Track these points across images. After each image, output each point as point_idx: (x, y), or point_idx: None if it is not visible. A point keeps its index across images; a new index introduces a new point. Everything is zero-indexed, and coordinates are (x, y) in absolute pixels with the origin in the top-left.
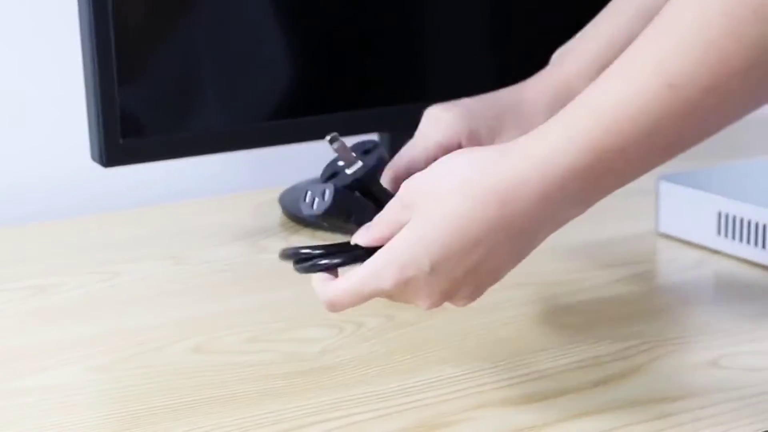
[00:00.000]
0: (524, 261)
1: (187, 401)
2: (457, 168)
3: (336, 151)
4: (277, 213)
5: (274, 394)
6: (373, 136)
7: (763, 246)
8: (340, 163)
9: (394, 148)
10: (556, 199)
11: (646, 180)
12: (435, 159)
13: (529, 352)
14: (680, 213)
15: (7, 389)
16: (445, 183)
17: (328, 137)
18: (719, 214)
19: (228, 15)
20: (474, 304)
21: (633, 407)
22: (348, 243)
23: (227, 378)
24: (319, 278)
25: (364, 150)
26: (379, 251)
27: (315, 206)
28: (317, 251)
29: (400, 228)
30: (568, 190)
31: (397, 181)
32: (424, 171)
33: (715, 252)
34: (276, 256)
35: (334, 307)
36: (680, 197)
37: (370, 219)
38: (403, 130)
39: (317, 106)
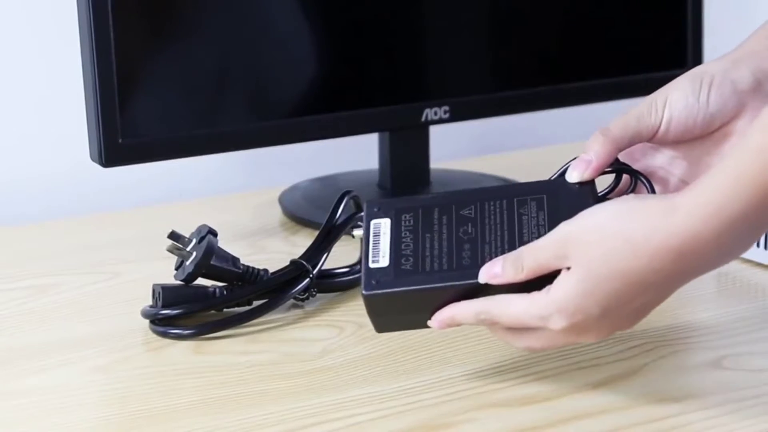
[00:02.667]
0: None
1: (187, 402)
2: (620, 225)
3: (171, 253)
4: (277, 213)
5: (274, 395)
6: (373, 136)
7: (765, 246)
8: (182, 259)
9: (394, 148)
10: (729, 242)
11: None
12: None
13: (530, 353)
14: None
15: (7, 389)
16: (610, 242)
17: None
18: None
19: (228, 15)
20: None
21: (635, 408)
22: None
23: (227, 379)
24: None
25: (200, 238)
26: (543, 302)
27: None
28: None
29: (546, 274)
30: (740, 232)
31: (615, 148)
32: (580, 223)
33: None
34: (276, 255)
35: (494, 324)
36: None
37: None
38: (403, 130)
39: (317, 106)
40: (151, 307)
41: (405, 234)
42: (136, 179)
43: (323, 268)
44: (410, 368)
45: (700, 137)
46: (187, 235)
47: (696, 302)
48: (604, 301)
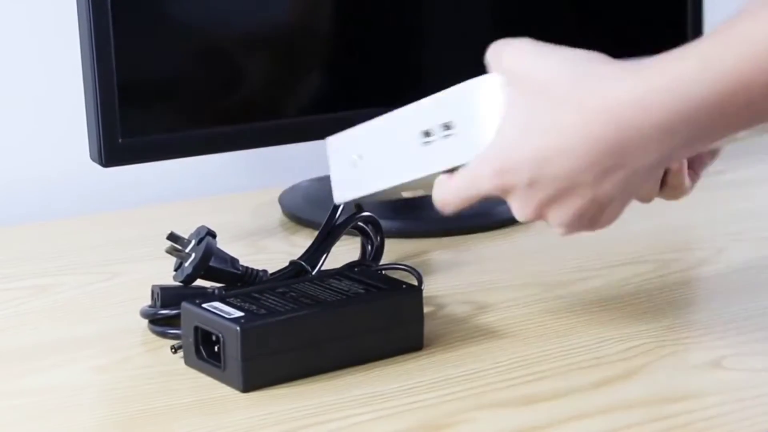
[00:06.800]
0: (525, 261)
1: (187, 402)
2: (572, 77)
3: (170, 254)
4: (277, 213)
5: (274, 395)
6: None
7: None
8: (181, 260)
9: None
10: (681, 133)
11: None
12: None
13: (530, 353)
14: None
15: (7, 389)
16: (559, 88)
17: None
18: None
19: (227, 14)
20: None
21: (635, 408)
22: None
23: None
24: (439, 178)
25: (199, 239)
26: (481, 153)
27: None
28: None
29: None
30: (697, 124)
31: None
32: (533, 49)
33: (720, 251)
34: (276, 255)
35: (444, 206)
36: None
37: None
38: None
39: (318, 106)
40: (150, 307)
41: (241, 304)
42: (136, 179)
43: (323, 268)
44: (410, 368)
45: None
46: (186, 235)
47: (697, 302)
48: (535, 163)
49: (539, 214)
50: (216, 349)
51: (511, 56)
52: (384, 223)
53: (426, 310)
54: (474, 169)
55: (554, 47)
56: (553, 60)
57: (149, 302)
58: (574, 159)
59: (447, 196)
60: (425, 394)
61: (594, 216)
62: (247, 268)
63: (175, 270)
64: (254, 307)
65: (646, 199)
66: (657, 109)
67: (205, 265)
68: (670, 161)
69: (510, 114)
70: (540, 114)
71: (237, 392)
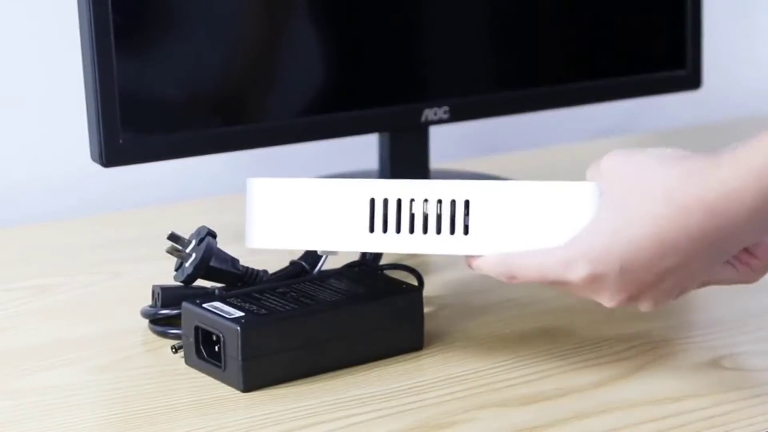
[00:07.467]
0: None
1: (188, 402)
2: (662, 172)
3: (171, 254)
4: None
5: (274, 395)
6: (373, 137)
7: None
8: (181, 260)
9: (394, 148)
10: (766, 213)
11: None
12: None
13: (530, 352)
14: None
15: (8, 389)
16: (650, 182)
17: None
18: None
19: (229, 16)
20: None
21: (634, 408)
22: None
23: None
24: (500, 254)
25: (199, 240)
26: (572, 240)
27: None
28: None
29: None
30: None
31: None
32: (625, 157)
33: None
34: (276, 256)
35: (514, 279)
36: None
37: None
38: (403, 130)
39: (317, 106)
40: (150, 307)
41: (241, 304)
42: (137, 179)
43: (323, 268)
44: (409, 368)
45: None
46: (186, 235)
47: (696, 301)
48: (627, 253)
49: (632, 300)
50: (216, 348)
51: (607, 160)
52: None
53: (426, 310)
54: (566, 254)
55: (643, 149)
56: (642, 157)
57: (150, 302)
58: (667, 248)
59: (522, 273)
60: (425, 394)
61: (682, 290)
62: (247, 268)
63: (176, 270)
64: (254, 307)
65: (723, 282)
66: (749, 195)
67: (206, 265)
68: (757, 237)
69: (604, 206)
70: (633, 207)
71: (237, 392)
